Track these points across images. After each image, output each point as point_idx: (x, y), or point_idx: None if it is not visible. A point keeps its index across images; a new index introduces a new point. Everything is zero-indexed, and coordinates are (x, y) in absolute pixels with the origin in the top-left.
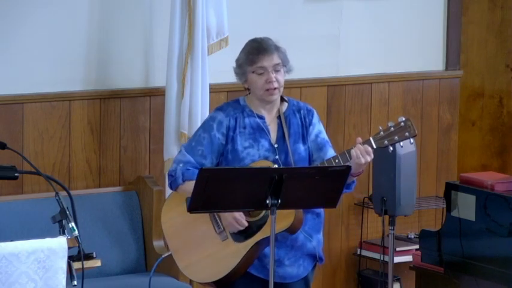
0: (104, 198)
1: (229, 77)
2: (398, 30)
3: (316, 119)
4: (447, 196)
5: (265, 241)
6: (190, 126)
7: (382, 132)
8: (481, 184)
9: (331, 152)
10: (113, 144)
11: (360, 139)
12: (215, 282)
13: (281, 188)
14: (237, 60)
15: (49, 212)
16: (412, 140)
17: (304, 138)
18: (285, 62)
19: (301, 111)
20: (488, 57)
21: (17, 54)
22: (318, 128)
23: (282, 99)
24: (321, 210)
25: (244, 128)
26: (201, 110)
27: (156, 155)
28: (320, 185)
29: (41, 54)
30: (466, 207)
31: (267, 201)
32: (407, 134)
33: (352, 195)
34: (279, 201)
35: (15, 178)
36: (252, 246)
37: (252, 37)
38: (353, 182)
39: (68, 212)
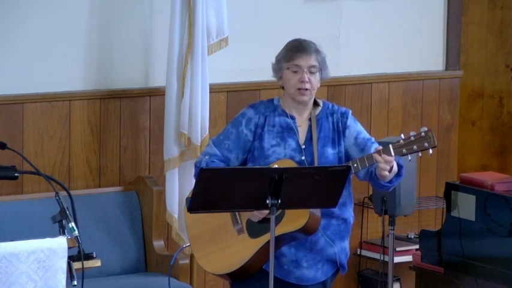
0: (104, 198)
1: (229, 77)
2: (398, 30)
3: (351, 120)
4: (447, 196)
5: (281, 238)
6: (190, 126)
7: (402, 141)
8: (481, 184)
9: (374, 147)
10: (113, 144)
11: (379, 147)
12: (230, 276)
13: (281, 188)
14: (276, 56)
15: (49, 212)
16: (431, 151)
17: (334, 143)
18: (322, 66)
19: (334, 115)
20: (488, 57)
21: (17, 54)
22: (355, 129)
23: (316, 104)
24: (349, 217)
25: (273, 126)
26: (201, 110)
27: (156, 155)
28: (320, 185)
29: (41, 54)
30: (466, 207)
31: (267, 201)
32: (426, 144)
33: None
34: (279, 201)
35: (15, 178)
36: (266, 243)
37: (252, 37)
38: (401, 166)
39: (68, 212)
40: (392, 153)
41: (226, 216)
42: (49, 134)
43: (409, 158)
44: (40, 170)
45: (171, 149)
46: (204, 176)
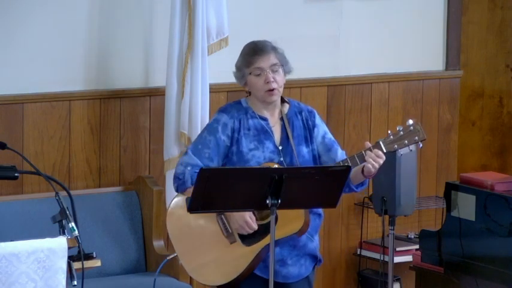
0: (104, 198)
1: (229, 77)
2: (398, 30)
3: (318, 119)
4: (447, 196)
5: (276, 242)
6: (190, 126)
7: (391, 136)
8: (481, 184)
9: (340, 152)
10: (113, 144)
11: (368, 143)
12: (224, 285)
13: (281, 188)
14: (236, 64)
15: (49, 212)
16: (421, 144)
17: (307, 141)
18: (282, 62)
19: (303, 113)
20: (488, 57)
21: (17, 54)
22: (322, 128)
23: (283, 101)
24: (322, 212)
25: (249, 129)
26: (201, 110)
27: (156, 155)
28: (320, 185)
29: (41, 54)
30: (466, 207)
31: (267, 201)
32: (416, 138)
33: (352, 195)
34: (279, 201)
35: (15, 178)
36: (261, 249)
37: (252, 37)
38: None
39: (68, 212)
40: (384, 150)
41: (214, 225)
42: (49, 134)
43: (401, 153)
44: (40, 170)
45: (171, 149)
46: (203, 176)
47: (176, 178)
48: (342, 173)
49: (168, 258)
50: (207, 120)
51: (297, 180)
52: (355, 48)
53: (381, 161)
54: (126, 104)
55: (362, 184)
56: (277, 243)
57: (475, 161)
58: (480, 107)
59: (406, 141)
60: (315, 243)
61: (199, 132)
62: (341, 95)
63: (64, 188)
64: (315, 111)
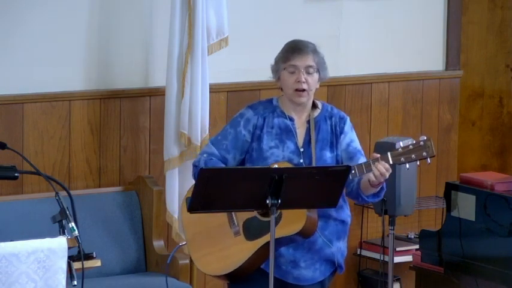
0: (104, 198)
1: (229, 77)
2: (398, 30)
3: (348, 127)
4: (447, 196)
5: (278, 241)
6: (190, 126)
7: (400, 149)
8: (481, 184)
9: (362, 161)
10: (113, 144)
11: (376, 154)
12: (227, 277)
13: (281, 188)
14: (275, 58)
15: (49, 212)
16: (429, 160)
17: (332, 146)
18: (319, 67)
19: (333, 119)
20: (488, 57)
21: (17, 54)
22: (350, 136)
23: (315, 106)
24: (346, 218)
25: (272, 128)
26: (201, 110)
27: (156, 155)
28: (320, 185)
29: (41, 54)
30: (466, 207)
31: (267, 201)
32: (424, 153)
33: None
34: (279, 201)
35: (15, 178)
36: (261, 246)
37: (252, 37)
38: (382, 189)
39: (68, 212)
40: (391, 161)
41: (223, 217)
42: (49, 134)
43: (407, 166)
44: (40, 170)
45: (171, 149)
46: (204, 176)
47: (193, 166)
48: (341, 173)
49: (180, 244)
50: (207, 120)
51: (297, 180)
52: (355, 48)
53: (387, 174)
54: (126, 104)
55: (377, 196)
56: (290, 244)
57: (475, 161)
58: (480, 107)
59: (413, 156)
60: (333, 249)
61: (199, 132)
62: (341, 95)
63: (64, 188)
64: (347, 118)
